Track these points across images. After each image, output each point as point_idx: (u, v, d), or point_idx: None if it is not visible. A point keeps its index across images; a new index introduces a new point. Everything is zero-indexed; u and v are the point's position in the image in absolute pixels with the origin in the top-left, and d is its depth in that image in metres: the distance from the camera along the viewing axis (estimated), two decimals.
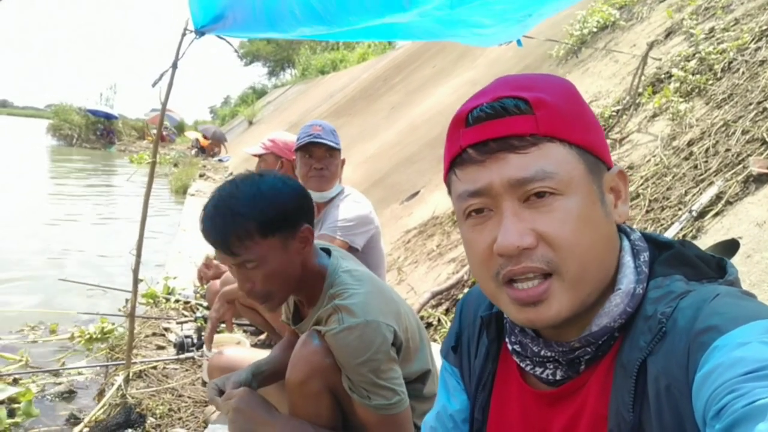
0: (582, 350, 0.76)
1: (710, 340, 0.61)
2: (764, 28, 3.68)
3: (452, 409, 0.98)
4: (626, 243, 0.79)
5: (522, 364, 0.83)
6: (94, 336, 3.51)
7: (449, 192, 0.80)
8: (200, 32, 2.39)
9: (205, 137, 22.05)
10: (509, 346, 0.85)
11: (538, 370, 0.80)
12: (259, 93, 41.18)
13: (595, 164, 0.75)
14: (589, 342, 0.75)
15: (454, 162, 0.76)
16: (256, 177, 1.55)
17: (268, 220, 1.46)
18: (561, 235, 0.70)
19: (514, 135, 0.71)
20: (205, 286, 3.32)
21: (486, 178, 0.72)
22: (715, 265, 0.76)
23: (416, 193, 5.42)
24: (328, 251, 1.69)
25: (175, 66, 2.58)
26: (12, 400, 2.59)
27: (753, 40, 3.66)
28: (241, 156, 14.60)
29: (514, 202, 0.72)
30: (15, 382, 2.87)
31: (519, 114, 0.71)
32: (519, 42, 2.72)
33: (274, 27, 2.18)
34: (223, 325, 2.72)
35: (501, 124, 0.72)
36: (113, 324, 3.63)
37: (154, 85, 2.58)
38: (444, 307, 3.20)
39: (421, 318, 3.04)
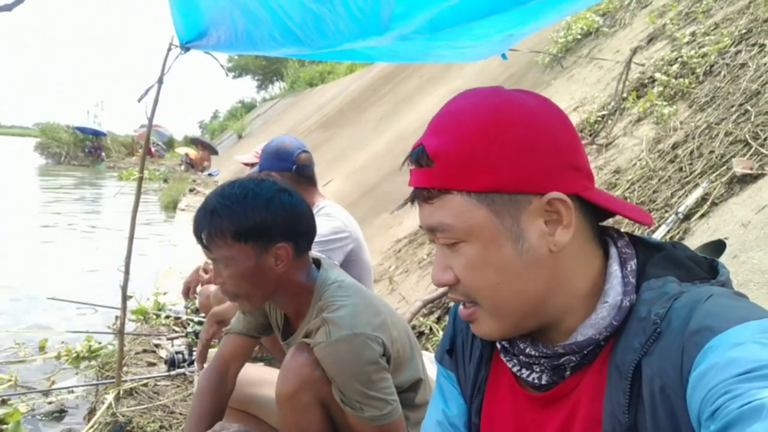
0: (567, 358, 0.76)
1: (704, 340, 0.61)
2: (743, 31, 3.74)
3: (452, 415, 0.97)
4: (613, 250, 0.78)
5: (509, 364, 0.83)
6: (81, 354, 3.46)
7: None
8: (186, 47, 2.39)
9: (201, 145, 22.08)
10: (497, 344, 0.86)
11: (525, 373, 0.81)
12: (248, 107, 41.20)
13: (509, 202, 0.73)
14: (573, 350, 0.75)
15: None
16: (255, 182, 1.53)
17: (242, 225, 1.46)
18: (465, 279, 0.77)
19: (421, 187, 0.77)
20: (195, 300, 3.30)
21: (419, 220, 0.81)
22: (707, 266, 0.76)
23: (406, 203, 5.40)
24: (318, 262, 1.68)
25: (160, 81, 2.58)
26: (0, 420, 2.56)
27: (733, 43, 3.71)
28: (230, 170, 14.58)
29: (440, 242, 0.79)
30: (3, 402, 2.83)
31: (423, 166, 0.76)
32: (504, 56, 2.74)
33: (256, 47, 2.19)
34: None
35: (415, 174, 0.78)
36: (100, 343, 3.59)
37: (140, 100, 2.58)
38: (435, 315, 3.19)
39: (413, 327, 3.03)
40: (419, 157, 0.76)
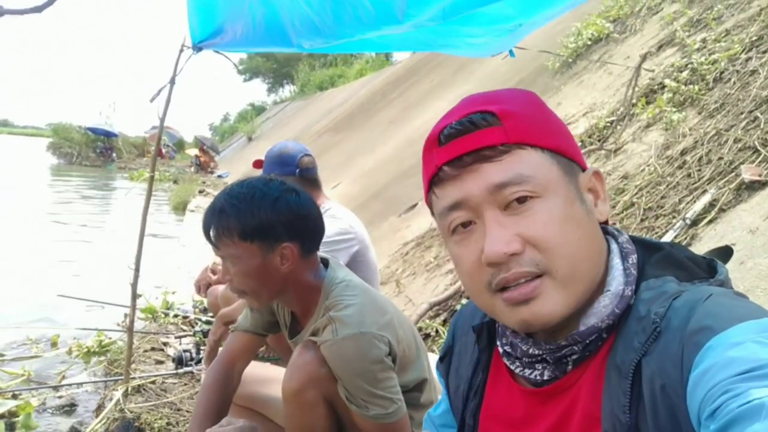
0: (569, 349, 0.76)
1: (704, 339, 0.61)
2: (754, 38, 3.73)
3: (434, 414, 1.03)
4: (614, 246, 0.79)
5: (512, 366, 0.84)
6: (92, 349, 3.51)
7: (432, 213, 0.82)
8: (198, 47, 2.43)
9: (202, 147, 22.29)
10: (500, 349, 0.86)
11: (527, 372, 0.81)
12: (258, 109, 41.42)
13: (569, 166, 0.78)
14: (576, 341, 0.75)
15: (432, 182, 0.79)
16: (263, 182, 1.56)
17: (248, 225, 1.48)
18: (546, 237, 0.71)
19: (486, 147, 0.73)
20: (203, 299, 3.33)
21: (464, 191, 0.74)
22: (706, 265, 0.76)
23: (414, 206, 5.43)
24: (326, 262, 1.70)
25: (172, 82, 2.62)
26: (12, 413, 2.60)
27: (743, 50, 3.70)
28: (240, 171, 14.66)
29: (495, 210, 0.73)
30: (15, 396, 2.88)
31: (488, 126, 0.74)
32: (511, 52, 2.76)
33: (273, 40, 2.22)
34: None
35: (472, 138, 0.74)
36: (110, 338, 3.64)
37: (152, 100, 2.62)
38: (442, 318, 3.20)
39: (419, 329, 3.05)
40: (482, 118, 0.74)
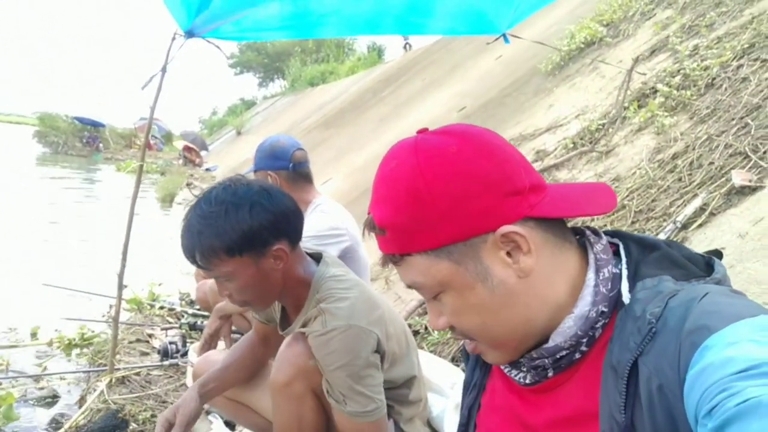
0: (540, 360, 0.78)
1: (700, 339, 0.61)
2: (746, 46, 3.77)
3: None
4: (591, 257, 0.78)
5: (501, 367, 0.86)
6: (73, 342, 3.45)
7: None
8: (189, 33, 2.40)
9: (187, 146, 22.18)
10: None
11: (514, 373, 0.84)
12: (248, 104, 41.28)
13: (464, 248, 0.74)
14: (542, 355, 0.77)
15: None
16: (230, 192, 1.48)
17: (232, 241, 1.42)
18: (456, 324, 0.80)
19: (385, 253, 0.80)
20: (190, 292, 3.30)
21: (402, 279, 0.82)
22: (703, 264, 0.76)
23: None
24: (318, 257, 1.68)
25: (164, 70, 2.59)
26: None
27: (735, 57, 3.74)
28: (228, 165, 14.58)
29: (423, 296, 0.82)
30: None
31: (380, 234, 0.78)
32: (506, 38, 2.75)
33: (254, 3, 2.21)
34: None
35: (378, 240, 0.80)
36: (93, 331, 3.58)
37: (143, 88, 2.59)
38: None
39: (408, 326, 3.04)
40: (372, 226, 0.79)
